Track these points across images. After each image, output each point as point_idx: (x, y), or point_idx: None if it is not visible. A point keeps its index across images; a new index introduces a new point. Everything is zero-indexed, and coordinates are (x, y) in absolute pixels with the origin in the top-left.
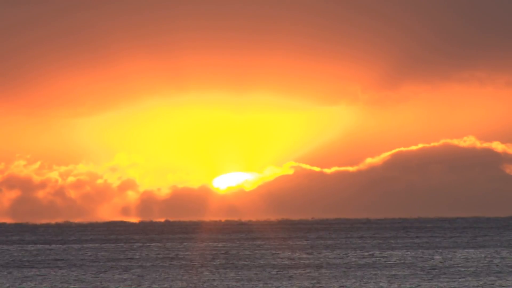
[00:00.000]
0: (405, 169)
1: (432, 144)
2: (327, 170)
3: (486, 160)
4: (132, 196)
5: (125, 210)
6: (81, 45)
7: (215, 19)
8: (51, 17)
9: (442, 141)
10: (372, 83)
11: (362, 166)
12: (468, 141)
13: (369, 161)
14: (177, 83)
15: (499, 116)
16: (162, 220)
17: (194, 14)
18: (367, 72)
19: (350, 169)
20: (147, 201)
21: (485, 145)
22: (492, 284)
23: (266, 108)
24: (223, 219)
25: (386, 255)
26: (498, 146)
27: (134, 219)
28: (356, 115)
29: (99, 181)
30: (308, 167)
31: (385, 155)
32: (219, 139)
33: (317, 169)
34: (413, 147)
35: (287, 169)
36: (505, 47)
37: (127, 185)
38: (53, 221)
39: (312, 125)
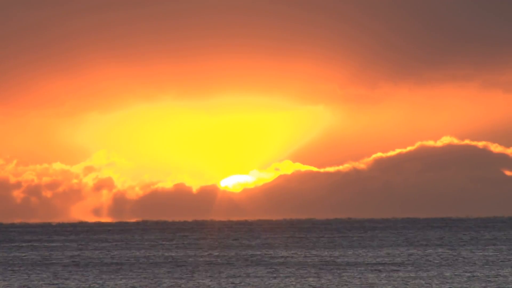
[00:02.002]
0: (383, 170)
1: (408, 148)
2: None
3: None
4: (106, 196)
5: (97, 211)
6: (63, 52)
7: (197, 29)
8: (36, 29)
9: (418, 144)
10: (349, 83)
11: (344, 167)
12: (445, 141)
13: (351, 162)
14: (155, 84)
15: (475, 117)
16: (134, 220)
17: (174, 26)
18: (344, 72)
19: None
20: (120, 201)
21: (466, 141)
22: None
23: (240, 108)
24: (189, 219)
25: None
26: (479, 144)
27: (106, 219)
28: (334, 115)
29: (74, 180)
30: (295, 166)
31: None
32: (196, 140)
33: (303, 168)
34: (391, 153)
35: (272, 171)
36: (482, 50)
37: (103, 185)
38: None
39: (290, 125)
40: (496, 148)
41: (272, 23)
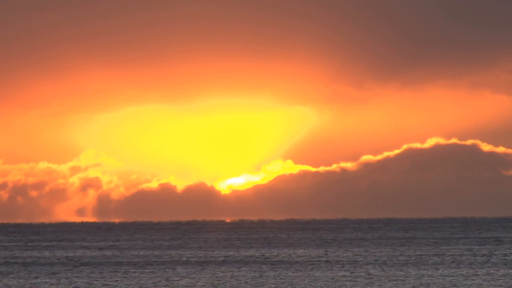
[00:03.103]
0: (369, 170)
1: (395, 151)
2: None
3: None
4: (91, 196)
5: (81, 211)
6: (53, 57)
7: (182, 34)
8: (27, 35)
9: (405, 146)
10: (335, 84)
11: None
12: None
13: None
14: (142, 88)
15: (463, 117)
16: (117, 221)
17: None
18: (330, 72)
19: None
20: (105, 202)
21: (451, 140)
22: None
23: (226, 110)
24: (181, 219)
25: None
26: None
27: (90, 219)
28: (320, 115)
29: (61, 180)
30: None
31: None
32: (184, 140)
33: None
34: (379, 156)
35: (260, 171)
36: (470, 51)
37: (89, 185)
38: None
39: (278, 125)
40: (485, 147)
41: (255, 29)
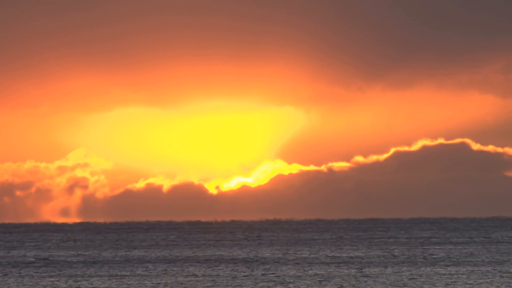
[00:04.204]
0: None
1: (384, 155)
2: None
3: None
4: (77, 196)
5: (66, 211)
6: (42, 52)
7: (161, 41)
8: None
9: (392, 150)
10: (321, 84)
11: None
12: (419, 146)
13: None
14: (130, 85)
15: (451, 118)
16: (102, 221)
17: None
18: (316, 73)
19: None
20: (91, 202)
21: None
22: None
23: (212, 111)
24: (168, 219)
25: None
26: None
27: (75, 220)
28: (305, 116)
29: (47, 180)
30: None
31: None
32: (171, 141)
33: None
34: (368, 159)
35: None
36: (457, 50)
37: (76, 185)
38: None
39: (265, 126)
40: (475, 146)
41: (240, 34)
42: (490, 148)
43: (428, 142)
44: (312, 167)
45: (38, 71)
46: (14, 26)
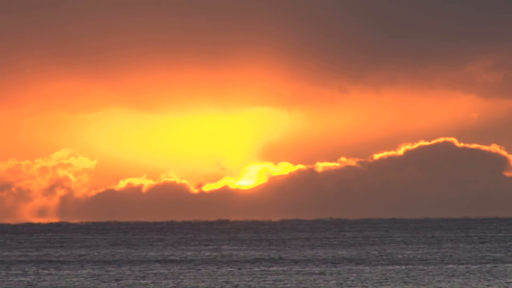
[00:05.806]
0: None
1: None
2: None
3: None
4: (56, 196)
5: (44, 211)
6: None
7: (141, 46)
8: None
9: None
10: (306, 84)
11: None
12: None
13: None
14: (113, 86)
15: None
16: (78, 221)
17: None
18: (300, 73)
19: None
20: (70, 202)
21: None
22: None
23: (195, 113)
24: (152, 220)
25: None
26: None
27: (53, 220)
28: (286, 116)
29: (27, 181)
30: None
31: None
32: (154, 142)
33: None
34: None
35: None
36: (442, 50)
37: (57, 184)
38: None
39: (251, 126)
40: (460, 145)
41: (219, 36)
42: (474, 146)
43: (409, 146)
44: (300, 166)
45: (19, 71)
46: None
